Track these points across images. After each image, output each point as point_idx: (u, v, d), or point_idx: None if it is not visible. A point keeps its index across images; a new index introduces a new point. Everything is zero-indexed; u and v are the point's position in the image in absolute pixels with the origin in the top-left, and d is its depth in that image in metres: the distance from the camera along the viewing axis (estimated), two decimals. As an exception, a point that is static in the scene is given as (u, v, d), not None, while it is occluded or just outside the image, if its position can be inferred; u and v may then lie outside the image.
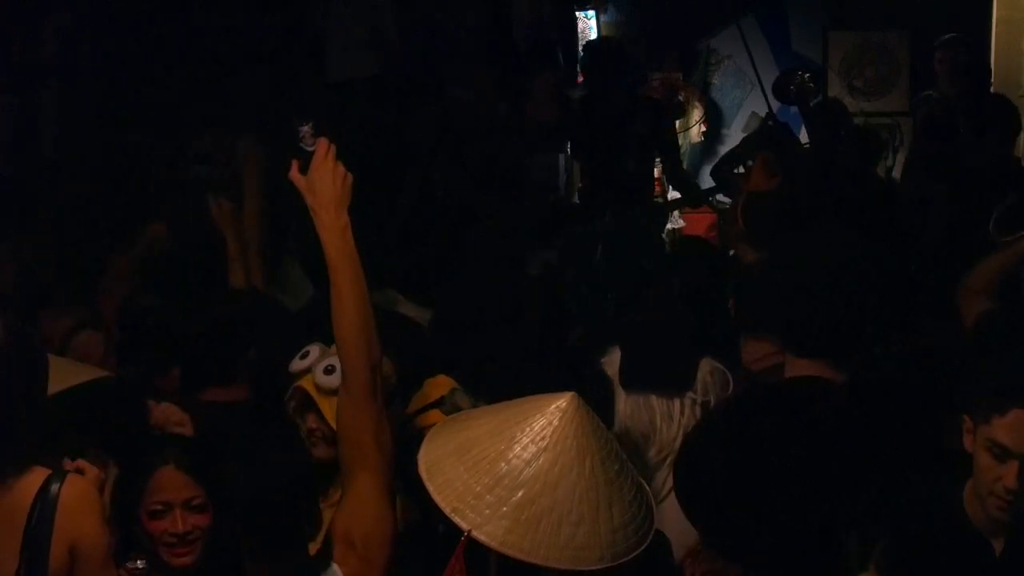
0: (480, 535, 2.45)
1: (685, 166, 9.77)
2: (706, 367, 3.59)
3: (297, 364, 3.47)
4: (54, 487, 2.97)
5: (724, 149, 9.89)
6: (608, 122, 7.38)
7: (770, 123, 7.75)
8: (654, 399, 3.55)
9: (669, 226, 8.89)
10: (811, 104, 7.78)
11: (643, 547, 2.54)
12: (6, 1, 6.39)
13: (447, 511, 2.47)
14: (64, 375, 3.35)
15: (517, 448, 2.49)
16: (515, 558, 2.44)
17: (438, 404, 3.40)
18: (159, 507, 3.09)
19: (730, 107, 10.09)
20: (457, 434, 2.58)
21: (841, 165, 6.79)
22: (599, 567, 2.47)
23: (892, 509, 2.92)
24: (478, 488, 2.46)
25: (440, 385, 3.48)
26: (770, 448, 2.80)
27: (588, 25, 9.81)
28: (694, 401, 3.55)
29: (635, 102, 7.68)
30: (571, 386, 2.65)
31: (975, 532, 2.97)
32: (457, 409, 3.31)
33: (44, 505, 2.95)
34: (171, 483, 3.09)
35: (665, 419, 3.53)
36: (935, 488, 3.05)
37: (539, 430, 2.50)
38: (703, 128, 9.96)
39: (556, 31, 9.27)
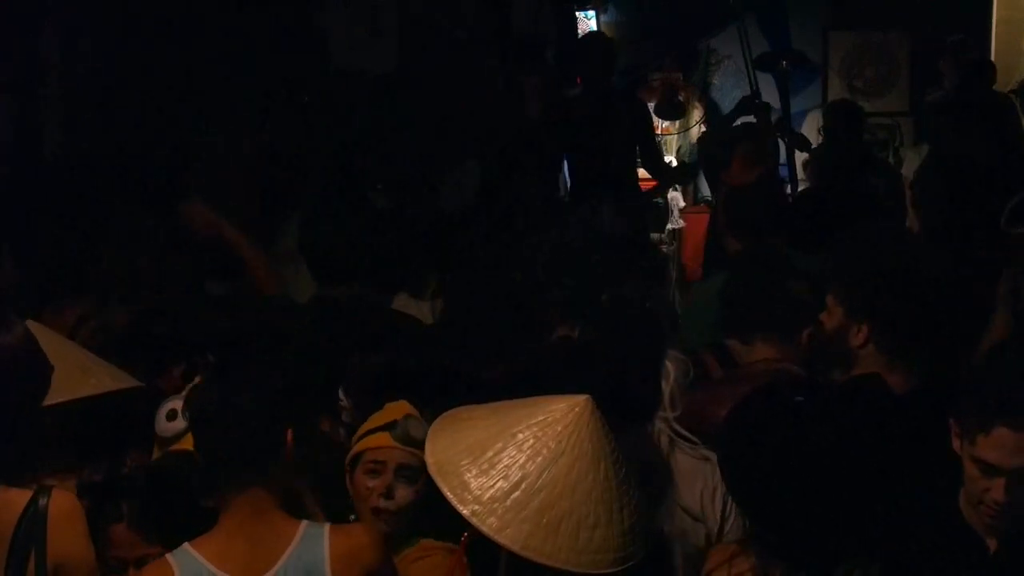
0: (502, 539, 2.45)
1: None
2: (669, 370, 3.44)
3: (168, 427, 3.44)
4: (41, 502, 2.92)
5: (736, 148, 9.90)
6: (594, 120, 7.39)
7: (756, 100, 7.80)
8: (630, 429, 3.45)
9: (669, 226, 8.91)
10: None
11: (648, 549, 2.54)
12: (6, 1, 6.38)
13: (466, 514, 2.46)
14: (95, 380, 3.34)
15: (531, 451, 2.48)
16: (536, 562, 2.43)
17: (388, 427, 3.35)
18: (114, 562, 3.09)
19: (730, 107, 10.05)
20: (464, 433, 2.57)
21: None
22: (612, 570, 2.47)
23: (893, 507, 2.91)
24: (496, 492, 2.46)
25: (398, 409, 3.42)
26: (825, 446, 2.77)
27: (588, 25, 9.80)
28: (666, 420, 3.41)
29: (620, 100, 7.70)
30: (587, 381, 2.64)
31: (970, 530, 2.97)
32: (408, 436, 3.29)
33: (33, 521, 2.91)
34: (124, 540, 3.09)
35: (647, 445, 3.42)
36: (934, 486, 3.05)
37: (556, 434, 2.49)
38: (703, 128, 9.96)
39: (556, 31, 9.26)
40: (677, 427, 3.40)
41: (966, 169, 5.85)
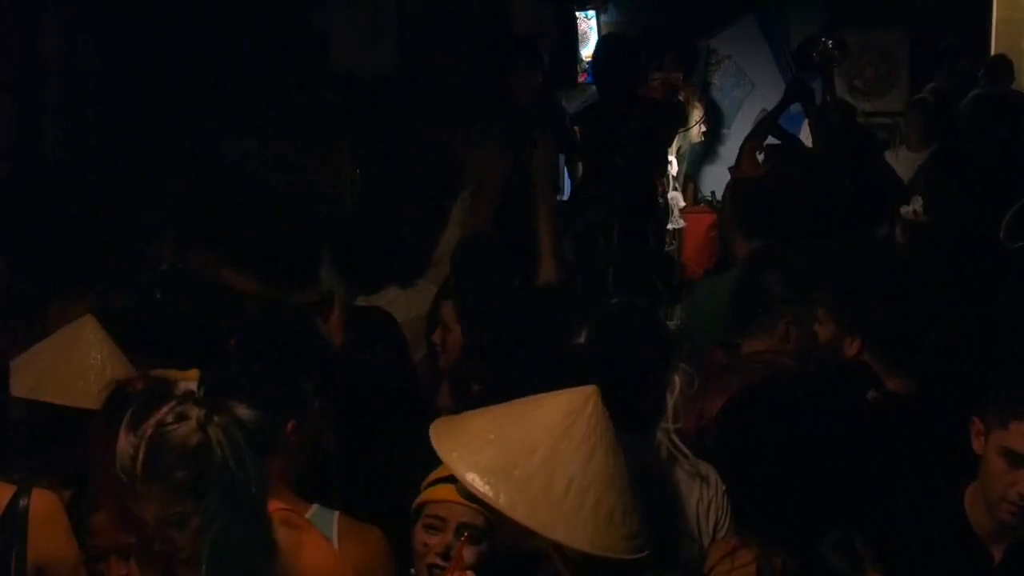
0: (541, 530, 2.43)
1: (686, 166, 9.81)
2: (676, 382, 3.32)
3: None
4: (22, 503, 2.87)
5: (724, 149, 9.92)
6: (617, 127, 7.29)
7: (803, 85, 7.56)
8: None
9: (669, 226, 8.89)
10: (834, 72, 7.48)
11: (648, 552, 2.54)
12: (6, 1, 6.38)
13: (510, 511, 2.44)
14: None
15: (554, 440, 2.47)
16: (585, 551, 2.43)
17: (454, 479, 3.03)
18: (94, 551, 3.05)
19: (730, 107, 10.09)
20: (480, 431, 2.56)
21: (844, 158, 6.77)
22: (636, 556, 2.47)
23: (893, 510, 2.90)
24: (526, 484, 2.45)
25: None
26: (818, 437, 2.78)
27: (588, 25, 9.80)
28: (667, 432, 3.31)
29: (642, 105, 7.60)
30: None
31: (974, 537, 2.95)
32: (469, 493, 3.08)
33: (13, 521, 2.85)
34: (104, 529, 3.04)
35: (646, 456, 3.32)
36: (936, 490, 3.03)
37: (572, 425, 2.49)
38: (703, 128, 9.97)
39: (556, 31, 9.25)
40: (677, 440, 3.36)
41: (977, 165, 5.83)
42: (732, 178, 6.34)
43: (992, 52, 9.49)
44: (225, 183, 6.56)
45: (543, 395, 2.58)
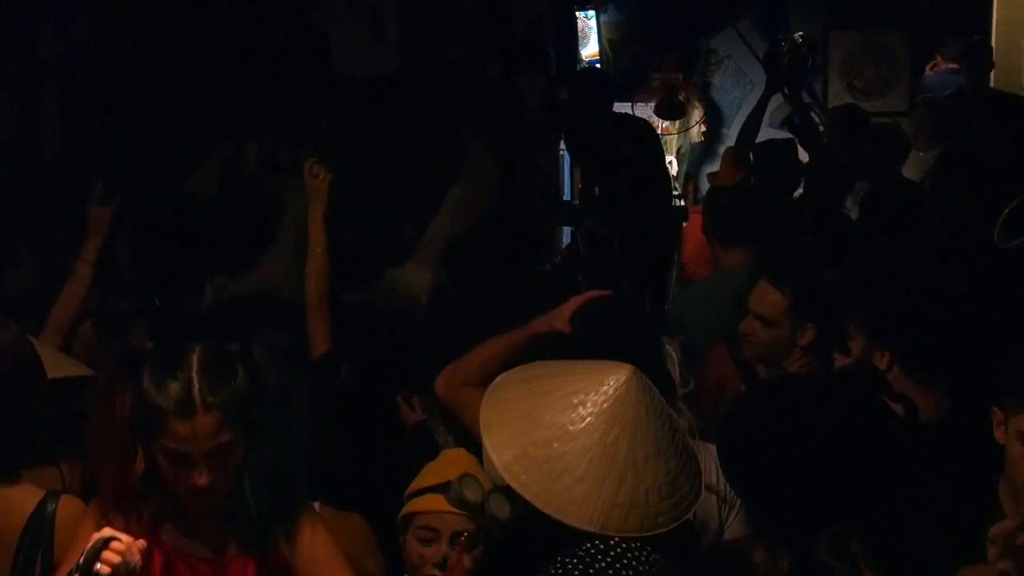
0: (492, 454, 2.55)
1: (686, 166, 9.80)
2: (670, 351, 3.42)
3: None
4: (50, 507, 2.92)
5: (724, 149, 9.91)
6: (601, 144, 7.30)
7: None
8: None
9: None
10: (809, 65, 7.44)
11: (642, 534, 2.53)
12: (6, 1, 6.39)
13: (481, 428, 2.60)
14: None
15: (559, 394, 2.58)
16: (514, 488, 2.52)
17: (441, 489, 3.10)
18: None
19: (730, 107, 10.08)
20: (530, 368, 2.74)
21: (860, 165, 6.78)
22: (583, 528, 2.48)
23: (926, 503, 2.90)
24: (513, 414, 2.58)
25: (453, 465, 3.17)
26: (820, 437, 2.79)
27: (588, 25, 9.80)
28: (684, 401, 3.37)
29: (623, 127, 7.61)
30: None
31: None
32: (462, 500, 3.04)
33: (41, 526, 2.90)
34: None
35: None
36: (971, 482, 3.03)
37: (586, 389, 2.58)
38: (703, 128, 9.97)
39: (556, 31, 9.24)
40: (689, 414, 3.41)
41: (983, 165, 5.82)
42: (710, 186, 6.36)
43: (992, 52, 9.49)
44: (220, 182, 6.59)
45: (597, 364, 2.67)
